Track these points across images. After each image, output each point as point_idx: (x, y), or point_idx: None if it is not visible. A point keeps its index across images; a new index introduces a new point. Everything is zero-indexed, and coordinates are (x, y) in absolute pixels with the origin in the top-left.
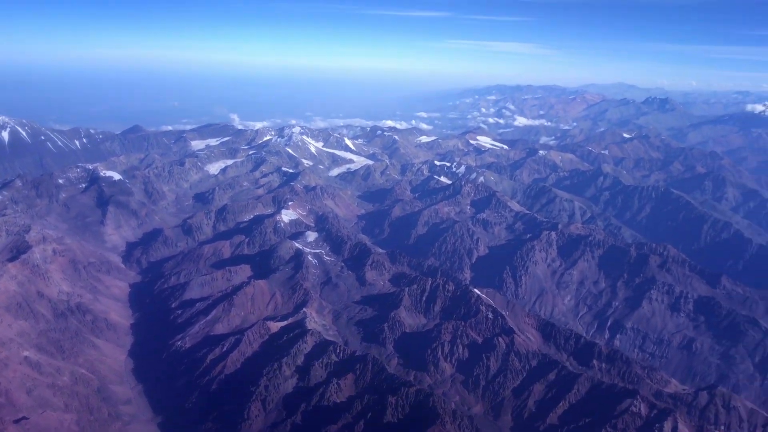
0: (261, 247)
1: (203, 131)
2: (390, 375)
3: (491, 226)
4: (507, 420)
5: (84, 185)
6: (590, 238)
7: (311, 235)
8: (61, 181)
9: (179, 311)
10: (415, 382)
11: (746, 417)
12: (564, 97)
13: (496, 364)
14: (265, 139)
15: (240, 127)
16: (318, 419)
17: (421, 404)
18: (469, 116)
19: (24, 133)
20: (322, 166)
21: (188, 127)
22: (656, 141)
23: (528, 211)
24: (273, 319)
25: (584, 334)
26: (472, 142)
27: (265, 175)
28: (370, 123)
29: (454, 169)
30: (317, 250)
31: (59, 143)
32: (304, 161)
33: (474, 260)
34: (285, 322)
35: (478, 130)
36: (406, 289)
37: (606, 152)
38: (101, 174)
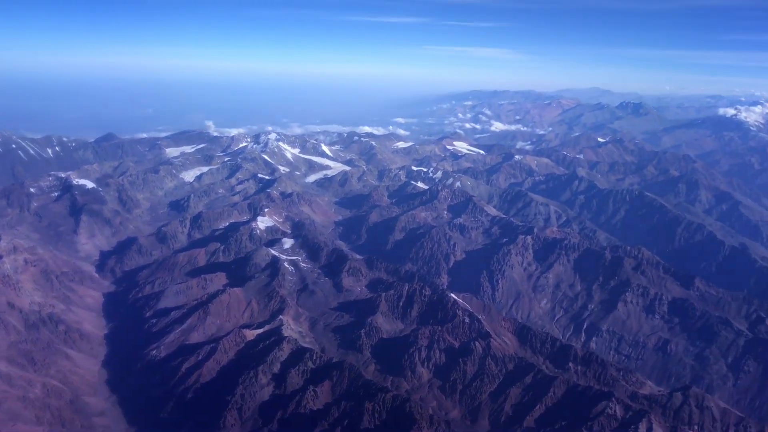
0: (237, 254)
1: (178, 138)
2: (367, 381)
3: (468, 230)
4: (484, 424)
5: (56, 194)
6: (566, 242)
7: (287, 242)
8: (32, 189)
9: (154, 320)
10: (392, 388)
11: (719, 417)
12: (540, 102)
13: (472, 369)
14: (241, 145)
15: (215, 134)
16: (295, 427)
17: (398, 410)
18: (446, 122)
19: None
20: (298, 173)
21: (163, 135)
22: (630, 145)
23: (504, 216)
24: (249, 327)
25: (560, 337)
26: (449, 147)
27: (240, 182)
28: (347, 129)
29: (431, 175)
30: (294, 257)
31: (31, 151)
32: (281, 168)
33: (451, 265)
34: (261, 330)
35: (455, 136)
36: (383, 294)
37: (581, 156)
38: (74, 182)
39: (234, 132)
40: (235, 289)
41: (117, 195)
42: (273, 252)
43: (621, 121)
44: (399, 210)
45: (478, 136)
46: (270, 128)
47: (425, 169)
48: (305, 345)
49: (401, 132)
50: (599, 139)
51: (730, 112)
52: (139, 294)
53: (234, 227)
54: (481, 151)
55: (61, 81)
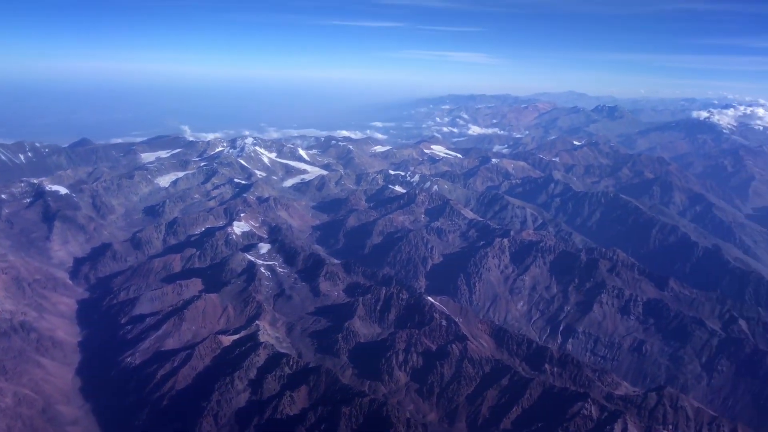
0: (212, 260)
1: (153, 143)
2: (344, 386)
3: (445, 234)
4: (461, 426)
5: (29, 200)
6: (542, 244)
7: (264, 247)
8: (4, 196)
9: (129, 327)
10: (370, 392)
11: (693, 416)
12: (516, 106)
13: (449, 371)
14: (217, 150)
15: (191, 138)
16: None
17: (375, 414)
18: (424, 125)
19: None
20: (275, 177)
21: (138, 140)
22: (605, 148)
23: (481, 219)
24: (225, 332)
25: (537, 339)
26: (426, 151)
27: (216, 187)
28: (325, 133)
29: (408, 179)
30: (270, 262)
31: (2, 157)
32: (257, 172)
33: (429, 268)
34: (237, 336)
35: (433, 140)
36: (360, 299)
37: (557, 159)
38: (47, 188)
39: (210, 137)
40: (210, 294)
41: (91, 201)
42: (249, 257)
43: (596, 124)
44: (377, 214)
45: (455, 139)
46: (247, 133)
47: (403, 173)
48: (282, 350)
49: (379, 136)
50: (575, 143)
51: (703, 115)
52: (113, 301)
53: (210, 232)
54: (459, 155)
55: (34, 85)
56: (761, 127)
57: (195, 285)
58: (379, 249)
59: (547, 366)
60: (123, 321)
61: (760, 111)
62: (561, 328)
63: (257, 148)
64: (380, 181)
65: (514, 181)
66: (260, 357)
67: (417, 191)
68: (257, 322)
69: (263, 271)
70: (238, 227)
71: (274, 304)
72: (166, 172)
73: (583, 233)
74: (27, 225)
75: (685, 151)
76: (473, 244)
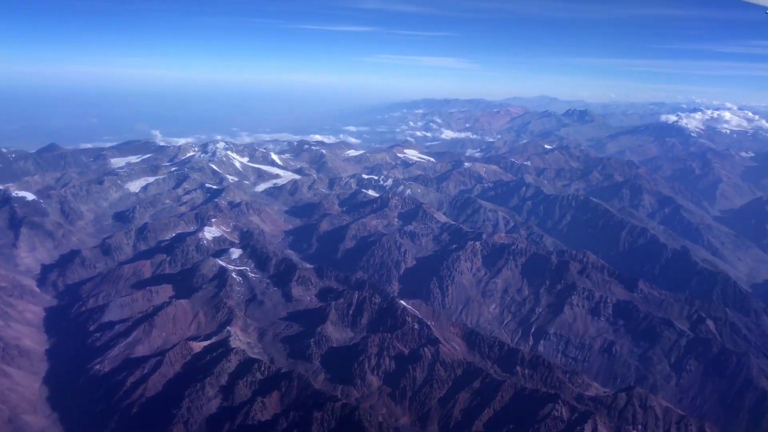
0: (183, 265)
1: (123, 148)
2: (316, 391)
3: (418, 237)
4: (434, 430)
5: None
6: (513, 247)
7: (235, 252)
8: None
9: (98, 334)
10: (342, 397)
11: (662, 415)
12: (489, 110)
13: (422, 375)
14: (188, 155)
15: (162, 143)
16: None
17: (347, 418)
18: (397, 130)
19: None
20: (247, 182)
21: (108, 145)
22: (576, 151)
23: (454, 222)
24: (196, 339)
25: (509, 342)
26: (399, 155)
27: (187, 192)
28: (298, 138)
29: (381, 183)
30: (242, 267)
31: None
32: (229, 177)
33: (402, 272)
34: (208, 342)
35: (406, 144)
36: (333, 303)
37: (528, 163)
38: (13, 194)
39: (181, 141)
40: (181, 300)
41: (59, 207)
42: (220, 262)
43: (567, 128)
44: (350, 218)
45: (428, 143)
46: (219, 137)
47: (376, 177)
48: (253, 356)
49: (352, 140)
50: (546, 146)
51: (672, 118)
52: (82, 308)
53: (180, 238)
54: (432, 159)
55: (1, 90)
56: (728, 131)
57: (165, 291)
58: (352, 253)
59: (518, 368)
60: (92, 328)
61: (727, 115)
62: (532, 330)
63: (229, 152)
64: (353, 186)
65: (486, 185)
66: (231, 363)
67: (390, 195)
68: (228, 327)
69: (234, 276)
70: (209, 232)
71: (246, 309)
72: (136, 177)
73: (554, 236)
74: None
75: (654, 154)
76: (446, 247)
